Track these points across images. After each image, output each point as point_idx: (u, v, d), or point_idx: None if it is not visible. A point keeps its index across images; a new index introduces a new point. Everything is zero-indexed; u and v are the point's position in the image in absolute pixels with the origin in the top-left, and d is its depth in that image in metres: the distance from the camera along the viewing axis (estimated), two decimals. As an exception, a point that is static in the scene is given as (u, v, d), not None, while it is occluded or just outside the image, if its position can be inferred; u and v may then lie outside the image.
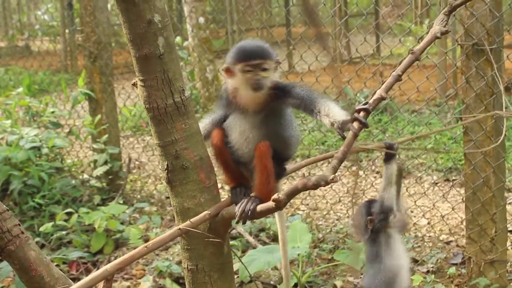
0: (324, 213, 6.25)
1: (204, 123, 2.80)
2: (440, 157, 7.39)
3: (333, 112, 2.46)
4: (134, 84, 2.58)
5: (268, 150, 2.58)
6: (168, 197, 6.69)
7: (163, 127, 2.56)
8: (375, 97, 2.34)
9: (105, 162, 6.33)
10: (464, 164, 4.71)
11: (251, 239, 5.29)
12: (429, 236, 5.66)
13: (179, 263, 4.86)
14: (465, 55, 4.46)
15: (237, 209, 2.54)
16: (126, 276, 5.02)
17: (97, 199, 6.22)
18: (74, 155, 7.25)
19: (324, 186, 2.14)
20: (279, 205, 2.22)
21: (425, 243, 5.48)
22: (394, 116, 8.48)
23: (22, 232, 2.35)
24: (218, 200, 2.66)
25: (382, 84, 2.48)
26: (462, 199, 4.90)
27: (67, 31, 15.38)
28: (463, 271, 4.82)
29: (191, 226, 2.37)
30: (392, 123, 8.56)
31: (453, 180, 7.11)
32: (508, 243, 4.78)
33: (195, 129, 2.62)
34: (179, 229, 2.34)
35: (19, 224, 2.36)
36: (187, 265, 2.66)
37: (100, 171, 6.28)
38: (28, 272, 2.36)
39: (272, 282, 4.81)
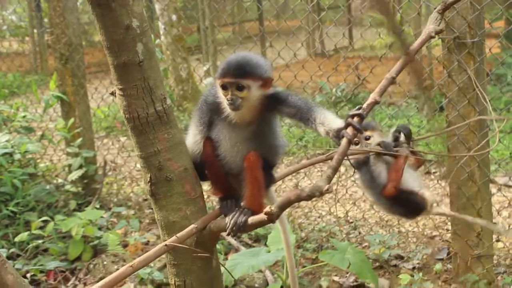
0: (306, 210, 6.15)
1: (194, 138, 2.66)
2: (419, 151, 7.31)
3: (328, 120, 2.37)
4: (113, 93, 2.44)
5: (257, 160, 2.48)
6: (146, 200, 6.57)
7: (144, 138, 2.43)
8: (368, 101, 2.24)
9: (80, 166, 6.16)
10: (448, 159, 4.64)
11: (233, 241, 5.17)
12: (413, 232, 5.59)
13: (161, 269, 4.73)
14: (447, 49, 4.38)
15: (228, 221, 2.43)
16: (106, 284, 4.86)
17: (73, 204, 6.04)
18: (48, 159, 7.07)
19: (319, 197, 2.03)
20: (271, 218, 2.11)
21: (410, 239, 5.41)
22: (372, 110, 8.38)
23: (-1, 256, 2.21)
24: (205, 212, 2.55)
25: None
26: (447, 194, 4.83)
27: (35, 31, 15.07)
28: (449, 266, 4.77)
29: (178, 242, 2.25)
30: (370, 116, 8.48)
31: (434, 172, 7.07)
32: (494, 236, 4.71)
33: (178, 139, 2.50)
34: (166, 245, 2.22)
35: (-5, 248, 2.21)
36: (175, 281, 2.54)
37: (75, 175, 6.11)
38: (6, 298, 2.21)
39: (257, 286, 4.70)
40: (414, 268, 4.89)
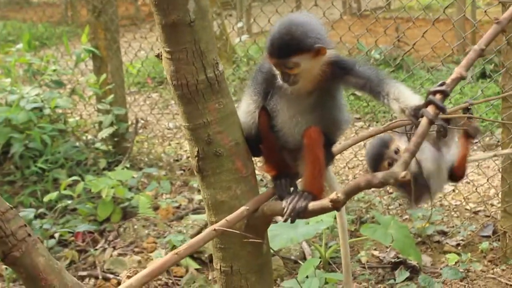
0: (343, 178, 5.92)
1: (248, 107, 2.40)
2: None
3: (404, 96, 2.09)
4: (158, 56, 2.19)
5: (319, 137, 2.22)
6: (177, 160, 6.39)
7: (193, 108, 2.17)
8: (453, 76, 1.95)
9: (111, 124, 5.98)
10: (502, 132, 4.37)
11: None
12: (456, 205, 5.34)
13: (194, 236, 4.53)
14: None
15: (286, 205, 2.17)
16: (136, 250, 4.70)
17: (102, 163, 5.88)
18: (78, 115, 6.88)
19: (393, 185, 1.78)
20: (337, 206, 1.86)
21: (452, 213, 5.15)
22: (410, 74, 8.07)
23: (29, 235, 1.97)
24: (257, 192, 2.30)
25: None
26: (499, 169, 4.57)
27: (68, -20, 14.80)
28: (495, 244, 4.52)
29: (227, 226, 2.01)
30: (409, 80, 8.19)
31: (475, 142, 6.79)
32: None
33: (230, 110, 2.24)
34: (214, 229, 1.98)
35: (25, 225, 1.98)
36: (220, 266, 2.31)
37: (105, 133, 5.94)
38: (36, 281, 1.97)
39: (293, 257, 4.50)
40: (458, 245, 4.66)
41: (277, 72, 2.26)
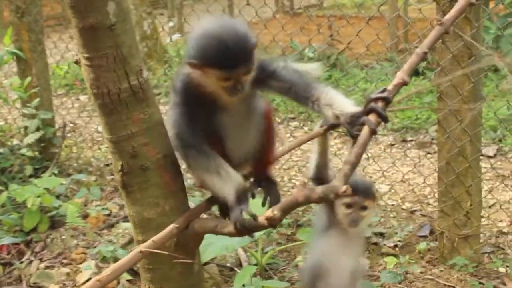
0: (278, 179, 5.81)
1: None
2: (395, 116, 7.05)
3: (338, 101, 1.95)
4: (77, 62, 2.01)
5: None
6: (107, 165, 6.19)
7: (115, 118, 2.01)
8: (395, 81, 1.84)
9: (37, 129, 5.72)
10: (438, 131, 4.34)
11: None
12: (392, 205, 5.31)
13: (125, 246, 4.36)
14: (442, 12, 4.03)
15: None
16: (65, 261, 4.48)
17: (29, 169, 5.62)
18: (2, 119, 6.60)
19: (334, 200, 1.66)
20: (273, 223, 1.73)
21: (389, 213, 5.12)
22: (345, 73, 8.05)
23: None
24: (187, 208, 2.14)
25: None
26: (435, 169, 4.55)
27: (-11, -22, 14.31)
28: (432, 244, 4.50)
29: (155, 247, 1.85)
30: (343, 79, 8.16)
31: (410, 141, 6.80)
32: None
33: (157, 120, 2.08)
34: (141, 251, 1.82)
35: None
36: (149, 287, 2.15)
37: (31, 138, 5.68)
38: None
39: (229, 265, 4.37)
40: (395, 246, 4.62)
41: (216, 87, 2.06)
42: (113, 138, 2.03)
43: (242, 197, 2.09)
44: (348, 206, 2.45)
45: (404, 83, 1.82)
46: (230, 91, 2.04)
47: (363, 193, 2.46)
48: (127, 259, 1.81)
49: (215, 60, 1.99)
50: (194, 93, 2.10)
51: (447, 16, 2.01)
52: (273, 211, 1.72)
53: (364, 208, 2.47)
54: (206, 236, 3.94)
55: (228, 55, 1.98)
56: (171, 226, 1.96)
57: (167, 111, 2.18)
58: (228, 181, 2.04)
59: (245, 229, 1.98)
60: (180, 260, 1.98)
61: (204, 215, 2.17)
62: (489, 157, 6.10)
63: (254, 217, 1.91)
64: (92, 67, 1.95)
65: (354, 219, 2.44)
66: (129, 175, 2.06)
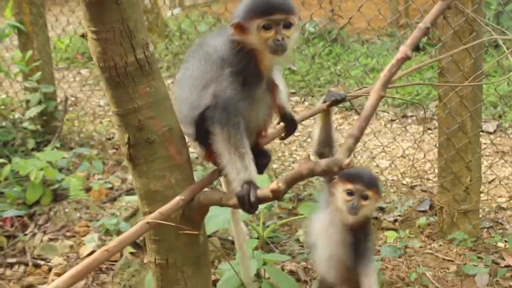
0: (279, 154, 5.84)
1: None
2: (395, 92, 7.05)
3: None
4: (83, 36, 2.02)
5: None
6: (109, 139, 6.21)
7: (122, 92, 2.02)
8: (398, 56, 1.86)
9: (39, 102, 5.74)
10: (438, 107, 4.36)
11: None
12: (392, 180, 5.34)
13: (128, 219, 4.39)
14: (444, -13, 4.02)
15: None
16: (68, 234, 4.52)
17: (31, 143, 5.65)
18: (3, 93, 6.60)
19: (337, 173, 1.68)
20: (278, 196, 1.76)
21: (389, 188, 5.15)
22: (346, 48, 8.03)
23: None
24: (192, 181, 2.17)
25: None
26: (435, 145, 4.57)
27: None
28: (432, 219, 4.54)
29: (161, 218, 1.88)
30: (344, 54, 8.16)
31: (410, 116, 6.81)
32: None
33: (162, 93, 2.09)
34: (147, 223, 1.85)
35: None
36: (155, 258, 2.19)
37: (33, 112, 5.70)
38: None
39: (230, 238, 4.40)
40: (395, 220, 4.66)
41: (259, 43, 2.11)
42: (120, 111, 2.05)
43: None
44: (350, 193, 2.47)
45: (407, 57, 1.85)
46: (272, 46, 2.10)
47: (366, 182, 2.49)
48: (133, 230, 1.84)
49: (254, 8, 2.09)
50: (241, 59, 2.14)
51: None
52: (278, 183, 1.75)
53: (366, 197, 2.49)
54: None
55: (267, 2, 2.09)
56: (177, 198, 1.99)
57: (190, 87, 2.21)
58: (244, 171, 2.05)
59: (249, 202, 2.00)
60: (186, 231, 2.01)
61: (209, 188, 2.19)
62: (489, 133, 6.14)
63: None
64: (99, 41, 1.96)
65: (354, 206, 2.46)
66: (135, 148, 2.08)
